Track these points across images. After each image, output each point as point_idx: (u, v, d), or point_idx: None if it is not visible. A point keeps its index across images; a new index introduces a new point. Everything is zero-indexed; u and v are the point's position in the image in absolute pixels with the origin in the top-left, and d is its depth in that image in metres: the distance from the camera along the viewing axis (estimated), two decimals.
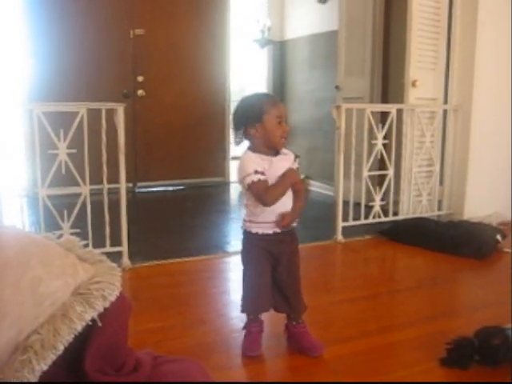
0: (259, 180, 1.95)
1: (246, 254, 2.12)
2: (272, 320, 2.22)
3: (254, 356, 2.11)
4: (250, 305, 2.14)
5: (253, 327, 2.14)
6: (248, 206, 2.07)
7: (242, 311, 2.16)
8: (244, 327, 2.17)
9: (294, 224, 2.10)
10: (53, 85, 5.24)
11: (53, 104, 3.27)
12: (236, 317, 2.42)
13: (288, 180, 2.00)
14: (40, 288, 0.99)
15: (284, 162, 2.03)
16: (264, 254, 2.07)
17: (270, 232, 2.05)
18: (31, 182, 4.81)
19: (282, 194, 2.00)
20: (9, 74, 5.63)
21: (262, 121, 1.99)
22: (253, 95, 2.12)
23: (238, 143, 2.10)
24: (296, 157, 2.09)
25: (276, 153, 2.04)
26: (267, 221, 2.04)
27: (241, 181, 2.00)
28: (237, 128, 2.06)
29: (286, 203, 2.04)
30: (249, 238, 2.09)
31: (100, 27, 5.48)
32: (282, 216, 2.02)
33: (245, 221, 2.10)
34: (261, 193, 1.96)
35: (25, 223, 3.24)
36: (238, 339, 2.19)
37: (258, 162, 1.98)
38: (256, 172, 1.95)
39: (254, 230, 2.06)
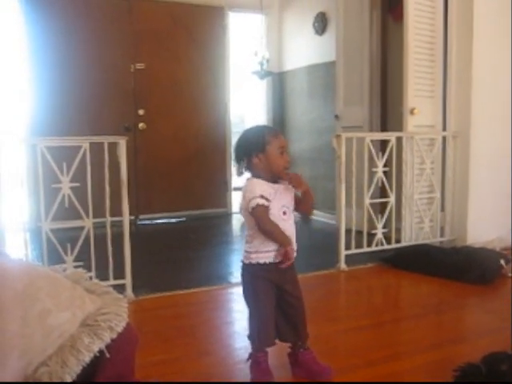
0: (263, 205, 1.99)
1: (252, 288, 2.11)
2: (274, 350, 2.20)
3: None
4: (263, 338, 2.11)
5: (260, 357, 2.11)
6: (253, 235, 2.07)
7: (255, 346, 2.13)
8: (249, 358, 2.15)
9: (295, 254, 2.11)
10: (54, 119, 5.30)
11: (56, 139, 3.30)
12: (241, 347, 2.41)
13: (284, 240, 2.04)
14: (48, 320, 1.00)
15: (287, 192, 2.08)
16: (269, 285, 2.08)
17: (276, 261, 2.07)
18: (34, 215, 4.82)
19: (273, 238, 2.04)
20: (11, 109, 5.69)
21: (265, 151, 2.04)
22: (254, 127, 2.18)
23: (240, 174, 2.13)
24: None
25: (276, 181, 2.08)
26: (272, 249, 2.06)
27: (246, 204, 2.02)
28: (239, 159, 2.10)
29: (288, 229, 2.08)
30: (252, 270, 2.09)
31: (101, 61, 5.56)
32: (285, 251, 2.04)
33: (249, 252, 2.09)
34: (262, 217, 2.00)
35: (28, 257, 3.24)
36: (244, 370, 2.17)
37: (265, 188, 2.02)
38: (262, 196, 1.99)
39: (261, 261, 2.06)
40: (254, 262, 2.08)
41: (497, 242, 4.12)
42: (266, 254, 2.06)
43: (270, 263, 2.07)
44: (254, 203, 1.99)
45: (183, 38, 6.01)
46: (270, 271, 2.07)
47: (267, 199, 2.00)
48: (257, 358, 2.12)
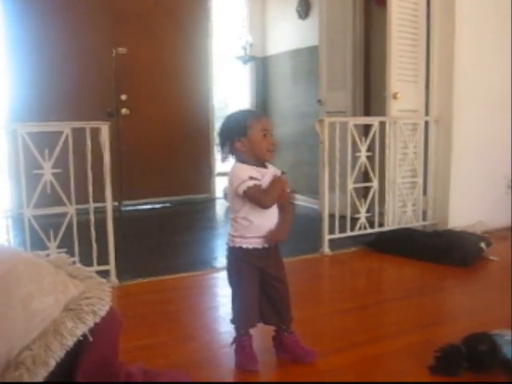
0: (255, 185, 1.99)
1: (236, 270, 2.12)
2: (258, 334, 2.22)
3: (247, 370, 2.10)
4: (246, 320, 2.13)
5: (244, 341, 2.13)
6: (237, 219, 2.07)
7: (237, 327, 2.15)
8: (233, 342, 2.16)
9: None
10: (35, 105, 5.23)
11: (37, 124, 3.27)
12: (225, 332, 2.42)
13: (278, 184, 2.03)
14: (31, 305, 1.00)
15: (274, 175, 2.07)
16: (253, 268, 2.09)
17: (260, 247, 2.08)
18: (16, 202, 4.79)
19: (277, 197, 2.02)
20: None
21: (247, 134, 2.03)
22: (237, 111, 2.17)
23: (224, 159, 2.13)
24: (282, 173, 2.12)
25: (264, 166, 2.07)
26: (257, 235, 2.07)
27: (234, 190, 2.01)
28: (223, 144, 2.10)
29: (272, 217, 2.08)
30: (237, 253, 2.10)
31: (82, 46, 5.49)
32: (272, 233, 2.06)
33: (233, 236, 2.10)
34: (259, 195, 1.99)
35: (10, 244, 3.21)
36: (229, 354, 2.18)
37: (252, 171, 2.01)
38: (251, 178, 1.99)
39: (244, 246, 2.07)
40: (237, 245, 2.09)
41: (478, 226, 4.18)
42: (251, 239, 2.07)
43: (255, 248, 2.08)
44: (244, 186, 1.97)
45: (166, 22, 5.95)
46: (254, 256, 2.08)
47: (257, 179, 2.00)
48: (241, 341, 2.13)
